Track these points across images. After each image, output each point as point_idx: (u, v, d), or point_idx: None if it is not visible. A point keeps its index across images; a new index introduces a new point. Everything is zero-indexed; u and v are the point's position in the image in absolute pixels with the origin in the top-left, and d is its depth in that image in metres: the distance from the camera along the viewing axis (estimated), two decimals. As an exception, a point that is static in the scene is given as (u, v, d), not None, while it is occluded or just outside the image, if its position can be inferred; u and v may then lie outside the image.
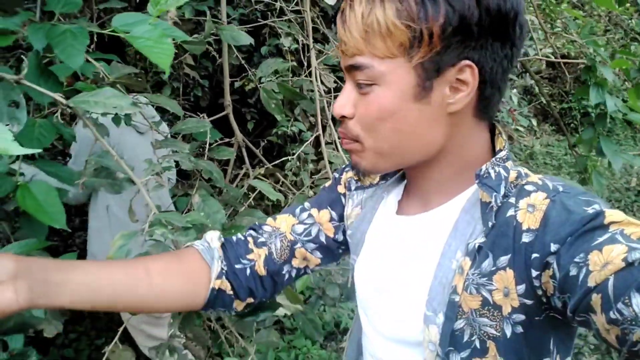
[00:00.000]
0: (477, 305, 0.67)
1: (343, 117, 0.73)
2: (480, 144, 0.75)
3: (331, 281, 1.89)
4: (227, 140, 1.86)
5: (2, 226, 1.64)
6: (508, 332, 0.66)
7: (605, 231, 0.58)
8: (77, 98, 0.84)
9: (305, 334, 2.67)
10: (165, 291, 0.80)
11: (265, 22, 2.09)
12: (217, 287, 0.85)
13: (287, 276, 0.93)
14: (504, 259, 0.66)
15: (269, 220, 0.96)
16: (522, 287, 0.64)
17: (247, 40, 1.53)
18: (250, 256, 0.90)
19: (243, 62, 2.21)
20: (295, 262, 0.93)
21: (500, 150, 0.73)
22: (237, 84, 2.56)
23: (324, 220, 0.95)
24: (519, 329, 0.66)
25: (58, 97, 0.86)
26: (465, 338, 0.68)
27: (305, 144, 1.88)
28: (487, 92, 0.70)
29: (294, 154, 3.27)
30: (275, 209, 3.17)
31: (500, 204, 0.69)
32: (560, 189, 0.66)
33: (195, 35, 1.67)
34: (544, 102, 3.52)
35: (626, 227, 0.59)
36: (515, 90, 3.89)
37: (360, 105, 0.71)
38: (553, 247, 0.61)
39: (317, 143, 2.96)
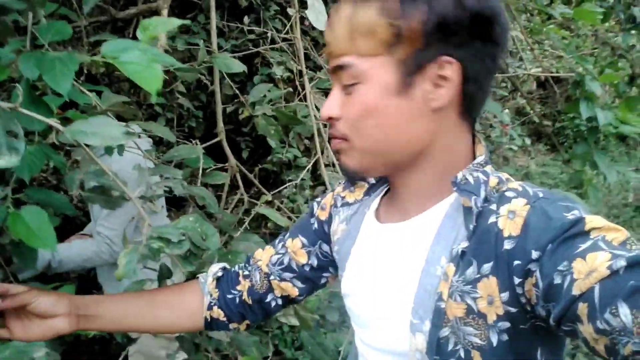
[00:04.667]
0: (462, 313, 0.67)
1: (330, 118, 0.76)
2: (462, 149, 0.76)
3: (330, 305, 1.86)
4: (220, 166, 1.86)
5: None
6: (494, 341, 0.65)
7: (587, 238, 0.59)
8: (73, 127, 0.84)
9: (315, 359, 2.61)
10: (168, 320, 1.00)
11: (257, 49, 2.11)
12: (208, 317, 1.00)
13: (274, 304, 1.00)
14: (487, 267, 0.66)
15: (257, 251, 1.04)
16: (505, 295, 0.64)
17: (240, 67, 1.54)
18: (238, 287, 1.00)
19: (236, 91, 2.23)
20: (277, 292, 0.99)
21: (480, 156, 0.74)
22: (230, 111, 2.59)
23: (297, 248, 0.98)
24: (505, 337, 0.65)
25: (54, 123, 0.86)
26: (450, 347, 0.68)
27: (305, 170, 1.88)
28: (470, 89, 0.71)
29: (289, 181, 3.27)
30: (272, 237, 3.15)
31: (481, 208, 0.69)
32: (541, 195, 0.67)
33: (189, 64, 1.69)
34: (536, 120, 3.54)
35: (607, 232, 0.59)
36: (507, 110, 3.93)
37: (346, 106, 0.73)
38: (534, 254, 0.61)
39: (314, 169, 2.96)
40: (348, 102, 0.73)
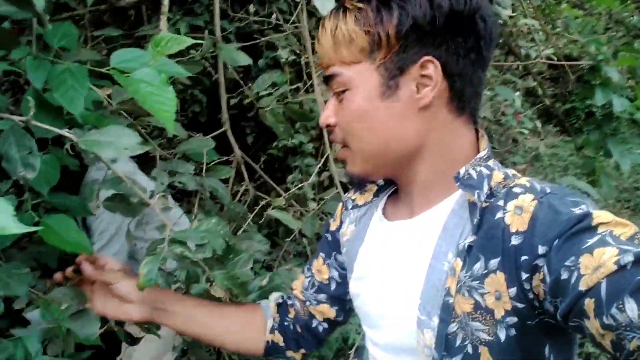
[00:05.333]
0: (470, 309, 0.67)
1: (328, 126, 0.80)
2: (462, 144, 0.76)
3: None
4: (225, 158, 1.82)
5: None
6: (502, 336, 0.65)
7: (594, 233, 0.58)
8: (87, 137, 0.81)
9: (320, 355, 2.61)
10: (236, 335, 1.00)
11: (263, 39, 2.05)
12: (270, 340, 1.00)
13: (321, 328, 1.00)
14: (494, 262, 0.66)
15: (294, 282, 1.05)
16: (513, 290, 0.64)
17: (246, 60, 1.49)
18: (290, 315, 1.01)
19: (240, 77, 2.17)
20: (319, 317, 1.00)
21: (482, 151, 0.76)
22: (235, 100, 2.54)
23: (320, 265, 0.99)
24: (513, 332, 0.65)
25: (68, 134, 0.83)
26: (458, 342, 0.68)
27: (316, 168, 1.83)
28: (457, 85, 0.73)
29: (295, 167, 3.23)
30: (278, 223, 3.11)
31: (487, 203, 0.69)
32: (548, 190, 0.66)
33: (192, 53, 1.63)
34: (548, 103, 3.46)
35: (615, 227, 0.59)
36: (518, 93, 3.84)
37: (339, 112, 0.78)
38: (541, 250, 0.61)
39: (317, 154, 2.91)
40: (341, 108, 0.77)
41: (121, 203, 1.03)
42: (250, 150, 3.18)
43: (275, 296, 1.04)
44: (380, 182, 0.91)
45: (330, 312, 0.98)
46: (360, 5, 0.72)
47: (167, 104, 0.75)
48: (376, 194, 0.91)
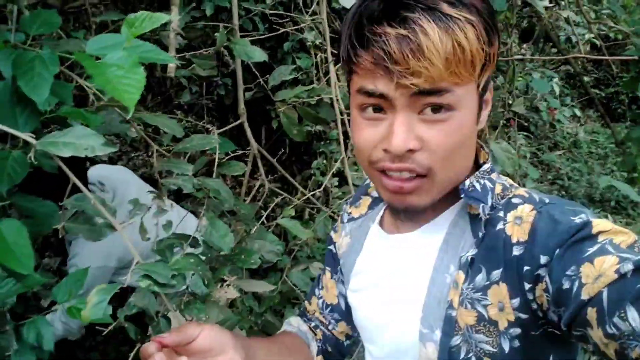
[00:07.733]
0: (473, 321, 0.66)
1: (409, 150, 0.64)
2: (470, 160, 0.75)
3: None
4: (241, 152, 1.77)
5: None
6: (506, 347, 0.65)
7: (595, 242, 0.58)
8: (46, 139, 0.77)
9: None
10: None
11: (282, 30, 1.97)
12: None
13: (346, 344, 0.98)
14: (496, 273, 0.65)
15: (307, 305, 1.01)
16: (516, 301, 0.64)
17: (261, 56, 1.40)
18: (318, 337, 0.97)
19: (257, 73, 2.08)
20: (341, 337, 0.98)
21: (484, 163, 0.74)
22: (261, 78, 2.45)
23: (328, 279, 0.97)
24: (517, 343, 0.65)
25: (27, 137, 0.78)
26: (462, 355, 0.67)
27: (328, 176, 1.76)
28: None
29: (320, 153, 3.17)
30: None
31: (488, 216, 0.69)
32: (547, 200, 0.66)
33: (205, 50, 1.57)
34: (588, 91, 3.28)
35: (614, 236, 0.58)
36: (556, 79, 3.65)
37: (430, 134, 0.64)
38: (543, 259, 0.60)
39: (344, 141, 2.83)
40: (434, 129, 0.64)
41: (84, 224, 0.91)
42: (276, 133, 3.12)
43: (297, 320, 0.98)
44: (374, 194, 0.90)
45: (348, 328, 0.96)
46: (471, 17, 0.62)
47: (133, 87, 0.69)
48: (371, 206, 0.90)
